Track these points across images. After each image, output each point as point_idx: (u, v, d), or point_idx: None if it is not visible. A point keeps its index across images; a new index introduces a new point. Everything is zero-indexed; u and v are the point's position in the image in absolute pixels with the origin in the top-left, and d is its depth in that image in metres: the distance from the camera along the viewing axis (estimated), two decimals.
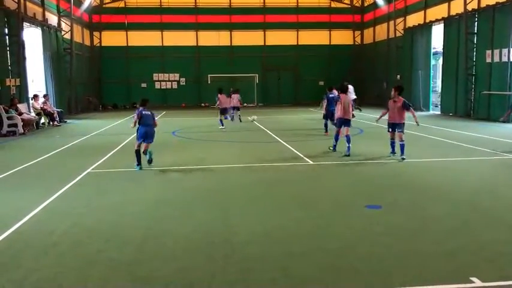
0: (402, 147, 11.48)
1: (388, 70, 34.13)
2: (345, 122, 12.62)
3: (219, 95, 20.25)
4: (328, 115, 16.61)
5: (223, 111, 20.45)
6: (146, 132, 10.98)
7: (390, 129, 11.82)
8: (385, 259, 5.31)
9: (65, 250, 5.67)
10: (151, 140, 11.14)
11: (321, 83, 39.55)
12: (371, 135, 17.25)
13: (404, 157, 11.36)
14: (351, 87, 16.90)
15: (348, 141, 12.34)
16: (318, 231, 6.35)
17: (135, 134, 11.29)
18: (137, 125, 11.01)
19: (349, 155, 12.11)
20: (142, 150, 11.01)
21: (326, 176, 10.04)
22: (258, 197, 8.21)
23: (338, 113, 12.83)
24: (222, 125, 19.76)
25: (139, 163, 10.92)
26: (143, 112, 11.03)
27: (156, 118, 11.57)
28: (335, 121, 13.47)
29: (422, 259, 5.27)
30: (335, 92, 16.31)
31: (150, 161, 11.23)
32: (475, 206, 7.48)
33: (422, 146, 14.09)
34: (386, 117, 12.08)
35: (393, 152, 11.84)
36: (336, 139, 12.88)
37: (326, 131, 17.01)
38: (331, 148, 13.07)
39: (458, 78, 24.46)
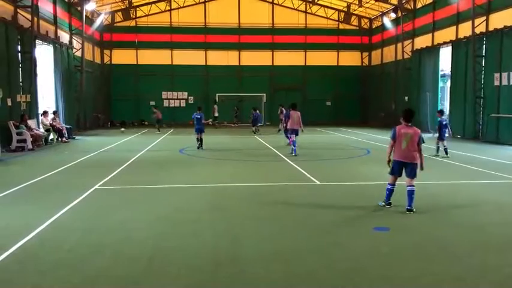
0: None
1: (396, 91, 34.22)
2: (295, 131, 17.15)
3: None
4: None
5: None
6: (197, 128, 18.99)
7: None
8: (393, 281, 5.25)
9: (72, 266, 5.65)
10: (200, 132, 18.97)
11: (328, 103, 39.80)
12: (378, 156, 17.21)
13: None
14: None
15: (295, 144, 16.99)
16: (325, 251, 6.29)
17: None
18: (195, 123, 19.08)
19: (295, 154, 16.47)
20: (198, 138, 18.94)
21: (333, 197, 9.99)
22: (264, 216, 8.17)
23: (289, 124, 17.48)
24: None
25: (198, 147, 18.85)
26: (195, 116, 19.13)
27: (203, 120, 19.35)
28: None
29: (431, 282, 5.20)
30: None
31: (199, 146, 18.88)
32: (483, 229, 7.39)
33: (430, 168, 13.98)
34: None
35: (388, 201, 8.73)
36: (294, 144, 16.97)
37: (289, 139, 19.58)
38: (292, 153, 16.71)
39: (467, 101, 24.45)
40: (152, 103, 35.24)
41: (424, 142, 8.54)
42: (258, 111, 28.42)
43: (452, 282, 5.22)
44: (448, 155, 15.85)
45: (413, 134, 8.33)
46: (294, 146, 16.87)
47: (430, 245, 6.55)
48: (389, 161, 8.57)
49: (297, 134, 17.19)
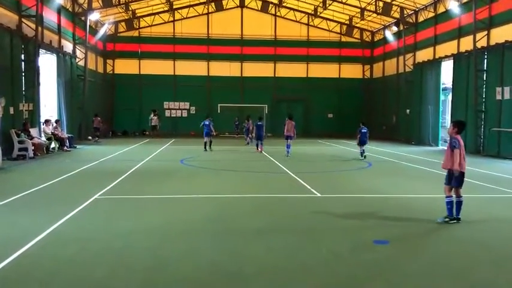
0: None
1: (397, 104, 34.30)
2: (289, 137, 20.69)
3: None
4: (258, 137, 23.14)
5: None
6: (205, 133, 22.98)
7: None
8: None
9: (70, 276, 5.63)
10: (209, 136, 23.09)
11: (330, 115, 39.87)
12: (378, 169, 17.22)
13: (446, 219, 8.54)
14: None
15: (289, 147, 20.74)
16: (327, 265, 6.26)
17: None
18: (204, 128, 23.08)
19: (288, 156, 20.29)
20: (207, 141, 23.05)
21: (333, 209, 9.95)
22: (265, 228, 8.14)
23: (284, 131, 21.08)
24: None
25: (205, 149, 22.83)
26: (204, 123, 23.12)
27: (211, 127, 23.19)
28: (262, 139, 23.05)
29: None
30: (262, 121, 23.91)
31: (207, 148, 22.99)
32: (486, 245, 7.33)
33: (431, 181, 13.97)
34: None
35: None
36: (287, 147, 20.73)
37: (258, 147, 23.03)
38: (286, 155, 20.46)
39: (468, 115, 24.43)
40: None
41: None
42: (247, 120, 28.98)
43: None
44: (363, 158, 19.51)
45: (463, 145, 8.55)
46: (287, 149, 20.72)
47: (430, 259, 6.50)
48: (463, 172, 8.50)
49: (290, 139, 20.77)
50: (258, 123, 23.36)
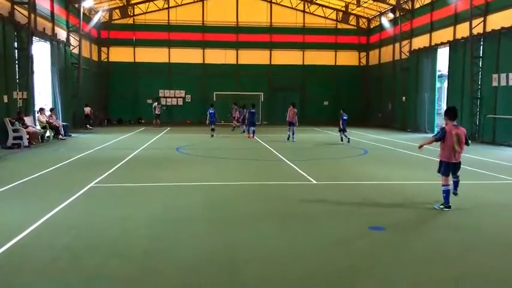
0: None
1: (393, 91, 34.24)
2: (292, 123, 21.94)
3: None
4: (250, 124, 24.27)
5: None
6: (211, 120, 24.19)
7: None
8: (395, 284, 5.24)
9: (65, 265, 5.61)
10: (214, 124, 24.44)
11: (326, 103, 39.77)
12: (374, 156, 17.24)
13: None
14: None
15: (293, 133, 21.98)
16: (323, 252, 6.27)
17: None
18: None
19: (295, 141, 21.47)
20: (214, 128, 24.43)
21: (329, 196, 9.96)
22: (261, 215, 8.14)
23: (287, 118, 22.16)
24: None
25: (212, 136, 23.68)
26: (209, 111, 24.45)
27: (216, 115, 24.73)
28: (254, 126, 24.24)
29: (431, 286, 5.19)
30: (252, 109, 24.67)
31: (212, 132, 24.15)
32: (479, 230, 7.38)
33: (425, 167, 13.98)
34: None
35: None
36: (289, 132, 22.05)
37: (253, 134, 23.85)
38: (285, 140, 21.84)
39: (464, 101, 24.46)
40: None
41: (470, 140, 8.75)
42: (243, 109, 28.65)
43: (452, 283, 5.21)
44: (349, 143, 20.86)
45: (461, 134, 8.36)
46: (287, 133, 22.07)
47: (427, 246, 6.53)
48: (421, 146, 9.18)
49: (292, 125, 21.95)
50: (251, 110, 24.32)
